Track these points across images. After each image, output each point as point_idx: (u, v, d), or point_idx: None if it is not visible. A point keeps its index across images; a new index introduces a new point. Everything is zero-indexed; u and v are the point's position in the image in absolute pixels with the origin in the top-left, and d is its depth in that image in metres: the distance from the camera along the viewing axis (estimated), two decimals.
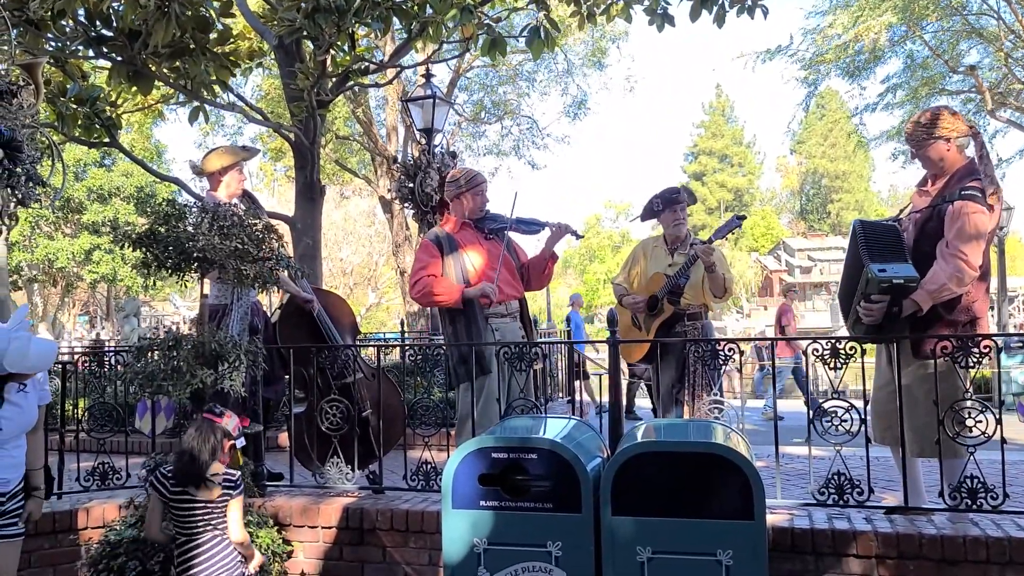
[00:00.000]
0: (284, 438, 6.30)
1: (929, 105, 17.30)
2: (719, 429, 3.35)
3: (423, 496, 4.17)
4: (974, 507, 3.48)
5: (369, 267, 38.62)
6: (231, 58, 6.58)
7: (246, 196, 4.84)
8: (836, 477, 3.64)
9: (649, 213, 4.93)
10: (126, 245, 3.58)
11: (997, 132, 17.52)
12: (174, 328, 3.88)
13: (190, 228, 3.66)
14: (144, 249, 3.58)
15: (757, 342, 12.39)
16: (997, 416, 3.49)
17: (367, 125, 16.83)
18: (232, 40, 7.33)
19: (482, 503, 3.08)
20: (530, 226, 4.42)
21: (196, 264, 3.68)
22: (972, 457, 3.49)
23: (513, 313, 4.39)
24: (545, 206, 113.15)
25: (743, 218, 4.79)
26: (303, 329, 4.85)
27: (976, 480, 3.49)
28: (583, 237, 5.29)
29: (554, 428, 3.36)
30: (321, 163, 13.30)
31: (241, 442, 3.28)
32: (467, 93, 19.97)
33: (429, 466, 4.16)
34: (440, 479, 3.66)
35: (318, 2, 5.75)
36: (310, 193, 8.37)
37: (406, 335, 11.98)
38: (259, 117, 8.37)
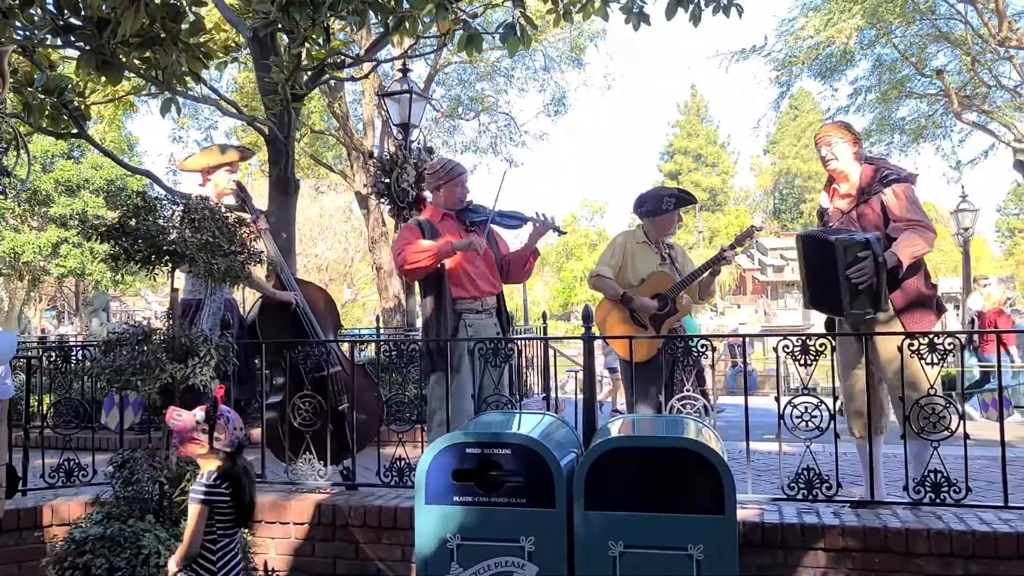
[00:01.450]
0: (256, 434, 6.25)
1: (899, 107, 17.61)
2: (691, 424, 3.38)
3: (396, 492, 4.16)
4: (937, 501, 3.54)
5: (345, 263, 38.38)
6: (204, 49, 6.49)
7: (240, 192, 4.83)
8: (805, 472, 3.69)
9: (657, 208, 4.81)
10: (95, 237, 3.53)
11: (965, 134, 17.82)
12: (144, 323, 3.83)
13: (161, 221, 3.61)
14: (113, 242, 3.53)
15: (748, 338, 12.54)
16: (960, 412, 3.56)
17: (343, 119, 16.70)
18: (207, 32, 7.24)
19: (455, 499, 3.08)
20: (512, 220, 4.39)
21: (167, 257, 3.63)
22: (936, 452, 3.56)
23: (489, 309, 4.37)
24: (522, 204, 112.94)
25: (760, 228, 4.91)
26: (284, 321, 4.80)
27: (939, 474, 3.56)
28: (565, 233, 5.26)
29: (528, 424, 3.37)
30: (296, 157, 13.19)
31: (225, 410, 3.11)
32: (444, 87, 19.95)
33: (403, 462, 4.15)
34: (414, 475, 3.66)
35: None
36: (284, 188, 8.28)
37: (382, 331, 11.93)
38: (233, 110, 8.27)
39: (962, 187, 15.01)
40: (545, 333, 7.68)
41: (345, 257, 37.81)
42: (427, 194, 4.72)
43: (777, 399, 3.76)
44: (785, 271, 67.24)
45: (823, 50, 15.28)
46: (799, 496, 3.68)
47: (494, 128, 20.59)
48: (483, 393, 4.08)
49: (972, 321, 10.91)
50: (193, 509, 2.86)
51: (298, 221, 9.03)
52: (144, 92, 8.04)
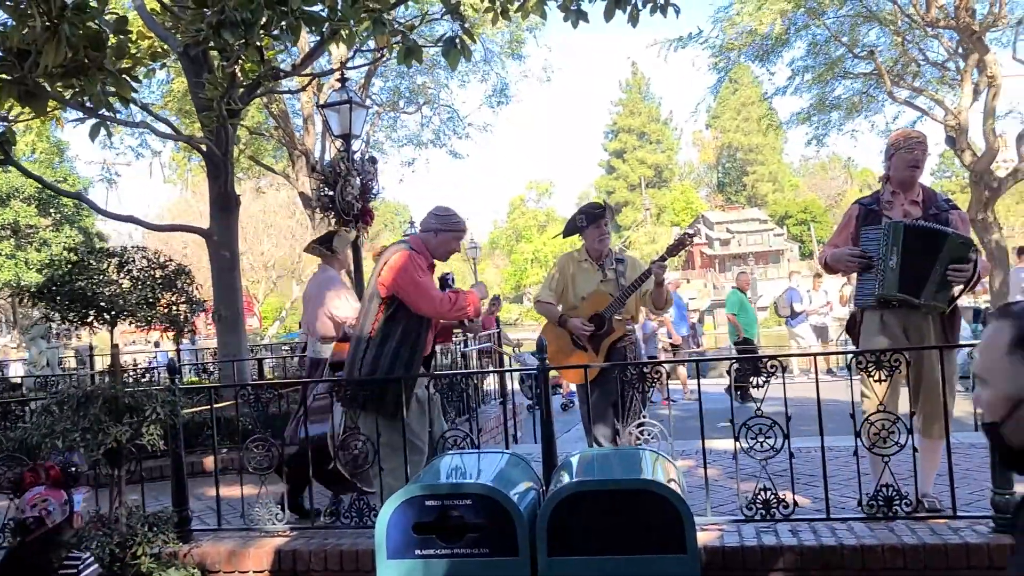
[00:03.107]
0: (209, 462, 6.13)
1: (835, 87, 17.93)
2: (649, 458, 3.39)
3: (358, 533, 4.11)
4: (890, 514, 3.63)
5: (292, 259, 37.75)
6: (132, 72, 6.26)
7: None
8: (763, 492, 3.74)
9: (572, 229, 4.89)
10: (27, 300, 3.39)
11: (898, 111, 18.25)
12: (84, 368, 3.70)
13: (96, 276, 3.49)
14: (45, 303, 3.39)
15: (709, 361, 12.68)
16: (909, 427, 3.65)
17: (282, 119, 16.35)
18: (130, 55, 6.97)
19: (417, 551, 3.05)
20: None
21: (105, 313, 3.51)
22: (887, 467, 3.65)
23: None
24: (467, 191, 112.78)
25: (693, 235, 4.85)
26: None
27: (891, 488, 3.65)
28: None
29: (487, 468, 3.35)
30: (235, 155, 12.87)
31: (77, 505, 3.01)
32: (383, 79, 19.64)
33: (363, 502, 4.10)
34: (375, 515, 3.61)
35: (223, 15, 5.51)
36: (225, 204, 8.10)
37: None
38: (168, 130, 8.02)
39: None
40: (499, 340, 7.65)
41: (292, 253, 37.18)
42: (416, 229, 4.51)
43: (731, 422, 3.80)
44: (731, 244, 68.38)
45: (755, 35, 15.46)
46: (757, 517, 3.74)
47: (437, 121, 20.40)
48: (437, 432, 4.04)
49: None
50: None
51: (242, 219, 8.80)
52: (73, 117, 7.75)
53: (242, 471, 4.35)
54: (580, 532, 3.00)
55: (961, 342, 4.09)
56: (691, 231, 4.97)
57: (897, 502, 3.64)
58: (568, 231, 4.91)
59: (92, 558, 3.04)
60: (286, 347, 16.17)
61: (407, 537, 3.05)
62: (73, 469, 2.94)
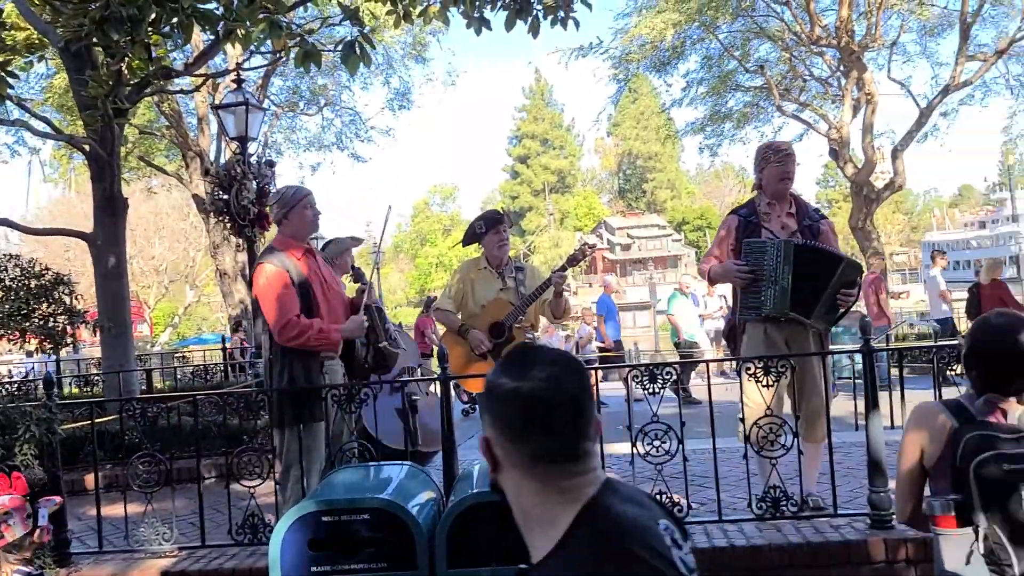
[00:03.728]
0: (91, 480, 5.81)
1: (727, 99, 18.66)
2: None
3: (251, 551, 3.97)
4: (777, 515, 3.79)
5: (186, 263, 36.33)
6: (7, 67, 5.90)
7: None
8: (658, 496, 3.83)
9: (472, 236, 4.88)
10: None
11: (783, 122, 19.14)
12: None
13: None
14: None
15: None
16: (794, 429, 3.82)
17: (175, 118, 15.69)
18: (7, 31, 6.58)
19: (313, 569, 2.97)
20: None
21: None
22: (775, 469, 3.80)
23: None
24: (370, 195, 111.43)
25: (593, 246, 4.90)
26: None
27: (778, 489, 3.80)
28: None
29: (385, 481, 3.30)
30: (123, 155, 12.27)
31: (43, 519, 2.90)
32: (283, 79, 19.16)
33: (256, 518, 3.96)
34: (269, 532, 3.50)
35: (108, 11, 5.25)
36: (111, 207, 7.69)
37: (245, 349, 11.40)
38: (48, 129, 7.57)
39: None
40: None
41: (186, 257, 35.80)
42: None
43: (629, 427, 3.88)
44: (632, 249, 70.11)
45: (653, 47, 15.94)
46: None
47: (339, 123, 20.07)
48: (337, 443, 3.95)
49: None
50: None
51: (132, 221, 8.41)
52: None
53: (127, 489, 4.14)
54: (481, 543, 2.99)
55: (841, 347, 4.31)
56: (591, 242, 5.03)
57: (784, 503, 3.79)
58: (468, 239, 4.90)
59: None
60: (179, 355, 15.57)
61: (302, 554, 2.97)
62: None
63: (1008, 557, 1.92)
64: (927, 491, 2.19)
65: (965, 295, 10.72)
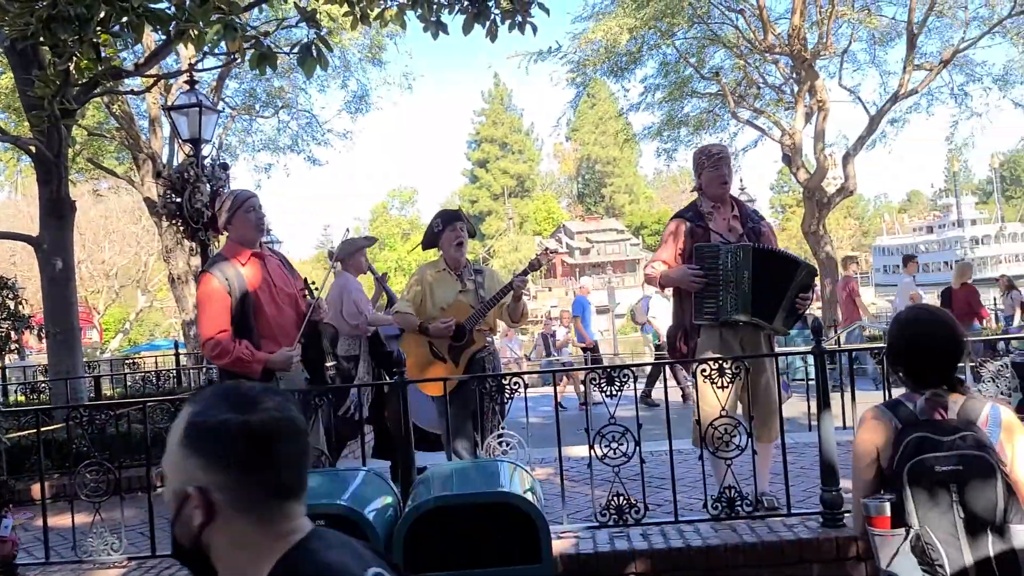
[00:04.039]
0: (36, 490, 5.65)
1: (683, 105, 18.89)
2: (506, 469, 3.42)
3: None
4: (732, 515, 3.84)
5: (138, 267, 35.52)
6: None
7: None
8: (616, 498, 3.86)
9: (430, 236, 4.85)
10: None
11: (739, 128, 19.45)
12: None
13: None
14: None
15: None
16: (748, 430, 3.88)
17: (126, 120, 15.33)
18: None
19: None
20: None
21: None
22: (729, 469, 3.86)
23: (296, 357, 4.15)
24: (329, 199, 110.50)
25: (553, 252, 4.92)
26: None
27: (733, 490, 3.85)
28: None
29: (342, 487, 3.27)
30: (71, 157, 11.98)
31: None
32: (238, 81, 18.87)
33: None
34: None
35: (55, 10, 5.12)
36: (58, 210, 7.51)
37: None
38: None
39: (740, 179, 16.43)
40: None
41: (138, 261, 35.01)
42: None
43: (587, 430, 3.90)
44: (591, 253, 70.52)
45: (611, 52, 16.08)
46: (611, 523, 3.85)
47: (295, 126, 19.83)
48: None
49: None
50: None
51: (81, 224, 8.21)
52: None
53: (74, 499, 4.04)
54: (439, 548, 2.99)
55: (794, 349, 4.38)
56: (551, 247, 5.05)
57: (739, 503, 3.85)
58: (427, 242, 4.87)
59: None
60: (129, 361, 15.22)
61: None
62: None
63: (940, 557, 1.96)
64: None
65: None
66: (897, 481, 2.03)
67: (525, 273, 4.67)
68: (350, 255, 5.80)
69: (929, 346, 2.17)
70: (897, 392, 2.37)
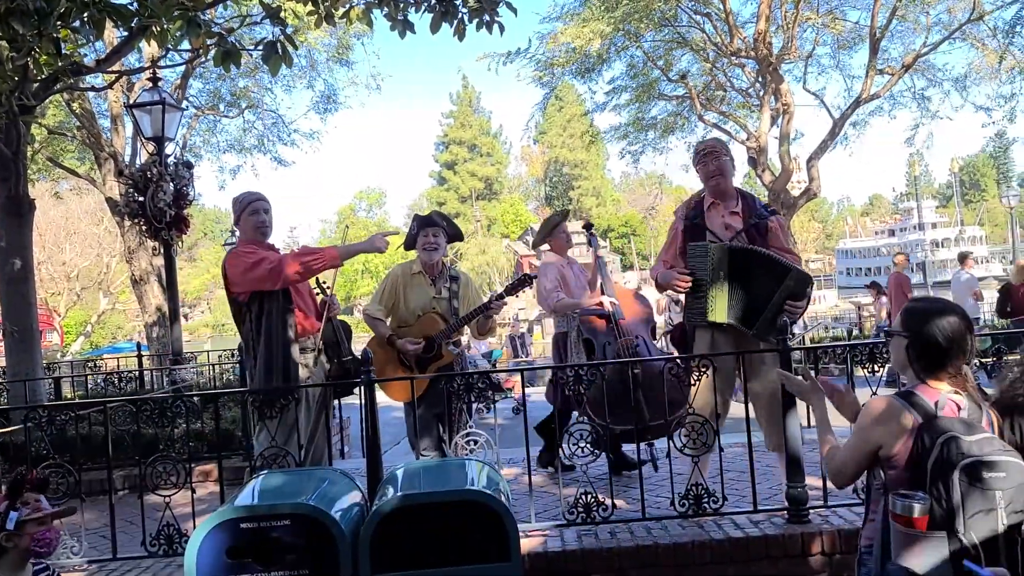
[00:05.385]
0: None
1: (651, 108, 19.01)
2: (474, 468, 3.40)
3: (166, 562, 3.83)
4: (700, 512, 3.86)
5: (99, 269, 34.86)
6: None
7: None
8: (584, 496, 3.86)
9: (409, 238, 4.83)
10: None
11: (706, 132, 19.63)
12: None
13: None
14: None
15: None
16: (715, 428, 3.90)
17: (87, 119, 15.02)
18: None
19: None
20: None
21: None
22: (697, 467, 3.88)
23: (316, 347, 4.21)
24: (295, 200, 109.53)
25: (533, 277, 4.92)
26: None
27: (700, 487, 3.88)
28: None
29: (307, 486, 3.23)
30: (29, 155, 11.70)
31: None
32: (202, 81, 18.60)
33: (172, 528, 3.83)
34: (186, 541, 3.38)
35: (13, 3, 5.00)
36: (16, 209, 7.33)
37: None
38: None
39: None
40: None
41: (100, 263, 34.37)
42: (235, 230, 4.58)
43: (557, 428, 3.90)
44: None
45: (578, 54, 16.14)
46: (579, 521, 3.85)
47: (261, 126, 19.61)
48: (311, 442, 4.01)
49: None
50: None
51: (41, 225, 8.05)
52: None
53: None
54: (405, 547, 2.96)
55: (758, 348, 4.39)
56: (532, 274, 5.01)
57: (706, 500, 3.87)
58: (407, 243, 4.89)
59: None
60: (90, 364, 14.92)
61: (219, 563, 2.87)
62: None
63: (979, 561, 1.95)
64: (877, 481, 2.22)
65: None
66: (940, 481, 1.99)
67: (502, 296, 4.66)
68: (548, 234, 5.68)
69: (955, 338, 2.17)
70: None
